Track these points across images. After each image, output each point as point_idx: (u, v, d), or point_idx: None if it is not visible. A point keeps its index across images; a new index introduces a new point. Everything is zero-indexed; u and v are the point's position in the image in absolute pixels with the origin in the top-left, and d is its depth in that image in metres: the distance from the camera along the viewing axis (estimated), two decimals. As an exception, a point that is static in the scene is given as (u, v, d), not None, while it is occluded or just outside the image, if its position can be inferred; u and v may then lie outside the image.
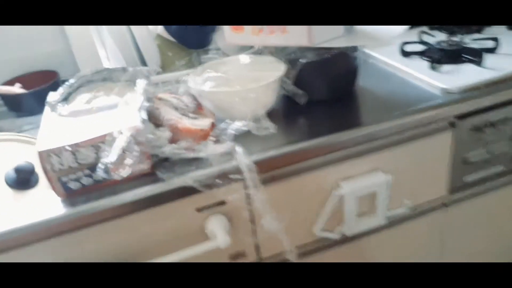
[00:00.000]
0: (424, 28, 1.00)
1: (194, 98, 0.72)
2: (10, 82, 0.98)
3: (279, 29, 0.71)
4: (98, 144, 0.58)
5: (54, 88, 0.72)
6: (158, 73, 0.82)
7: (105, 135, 0.58)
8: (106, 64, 0.83)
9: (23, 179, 0.64)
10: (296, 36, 0.70)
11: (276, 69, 0.74)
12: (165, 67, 0.89)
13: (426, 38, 0.94)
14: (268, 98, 0.72)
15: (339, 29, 0.74)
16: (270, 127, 0.67)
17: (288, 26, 0.70)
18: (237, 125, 0.64)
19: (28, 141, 0.72)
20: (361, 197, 0.72)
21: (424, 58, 0.87)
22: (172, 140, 0.63)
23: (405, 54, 0.90)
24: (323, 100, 0.77)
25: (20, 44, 1.01)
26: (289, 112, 0.77)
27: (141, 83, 0.65)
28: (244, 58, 0.81)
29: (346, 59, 0.77)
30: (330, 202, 0.72)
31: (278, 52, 0.77)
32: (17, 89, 0.93)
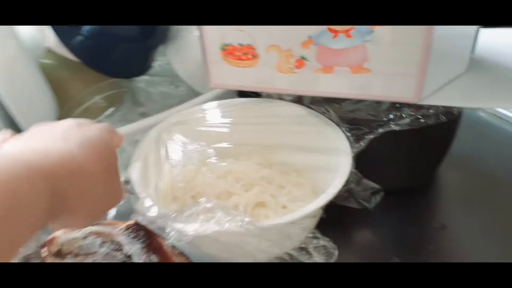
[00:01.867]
0: None
1: (147, 233, 0.29)
2: None
3: (348, 63, 0.31)
4: None
5: None
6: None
7: None
8: None
9: None
10: (389, 82, 0.30)
11: (324, 143, 0.35)
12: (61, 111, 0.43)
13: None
14: (312, 224, 0.32)
15: (462, 62, 0.35)
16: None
17: (369, 61, 0.30)
18: None
19: None
20: None
21: None
22: None
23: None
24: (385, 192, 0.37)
25: None
26: (341, 226, 0.37)
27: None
28: (240, 105, 0.39)
29: (446, 126, 0.38)
30: None
31: (322, 100, 0.37)
32: None
